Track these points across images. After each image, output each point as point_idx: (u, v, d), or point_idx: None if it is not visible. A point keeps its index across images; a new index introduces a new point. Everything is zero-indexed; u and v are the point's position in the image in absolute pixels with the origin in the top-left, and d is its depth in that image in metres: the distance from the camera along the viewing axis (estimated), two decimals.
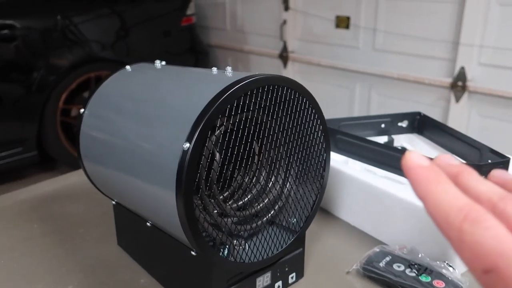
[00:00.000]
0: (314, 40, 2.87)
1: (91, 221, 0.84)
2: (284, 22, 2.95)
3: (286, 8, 2.92)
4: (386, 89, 2.59)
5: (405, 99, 2.51)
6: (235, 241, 0.63)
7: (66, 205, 0.90)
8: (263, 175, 0.64)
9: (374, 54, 2.58)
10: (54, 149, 2.60)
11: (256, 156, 0.63)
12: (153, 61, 0.72)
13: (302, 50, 2.97)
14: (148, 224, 0.64)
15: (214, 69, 0.60)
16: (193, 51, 3.08)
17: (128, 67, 0.72)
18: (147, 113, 0.58)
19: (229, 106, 0.51)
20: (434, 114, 2.38)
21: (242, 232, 0.63)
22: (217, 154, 0.56)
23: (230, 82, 0.51)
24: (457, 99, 2.28)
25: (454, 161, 0.27)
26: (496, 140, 2.17)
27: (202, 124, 0.49)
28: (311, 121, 0.61)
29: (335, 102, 2.82)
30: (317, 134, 0.63)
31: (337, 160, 0.88)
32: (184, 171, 0.48)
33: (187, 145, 0.48)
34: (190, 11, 2.99)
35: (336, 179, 0.85)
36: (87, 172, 0.71)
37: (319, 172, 0.65)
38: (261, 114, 0.58)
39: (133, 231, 0.71)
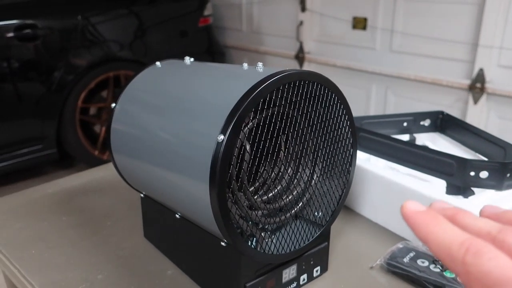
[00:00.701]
0: (330, 41, 2.88)
1: (117, 214, 0.86)
2: (301, 23, 2.96)
3: (303, 9, 2.92)
4: (402, 90, 2.58)
5: (422, 101, 2.50)
6: (263, 233, 0.64)
7: (93, 198, 0.92)
8: (291, 167, 0.65)
9: (391, 55, 2.58)
10: (72, 147, 2.64)
11: (284, 150, 0.64)
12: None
13: (319, 51, 2.97)
14: (177, 216, 0.65)
15: (245, 65, 0.61)
16: (210, 51, 3.11)
17: (158, 63, 0.73)
18: (180, 107, 0.60)
19: (261, 100, 0.52)
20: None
21: (270, 225, 0.64)
22: (248, 147, 0.58)
23: (262, 77, 0.52)
24: (475, 100, 2.26)
25: (448, 205, 0.29)
26: None
27: (236, 117, 0.50)
28: (339, 117, 0.62)
29: (351, 103, 2.80)
30: (345, 129, 0.64)
31: (359, 157, 0.88)
32: (218, 163, 0.49)
33: (222, 137, 0.50)
34: (207, 12, 3.01)
35: (359, 176, 0.86)
36: (117, 165, 0.73)
37: (345, 167, 0.66)
38: (291, 108, 0.59)
39: (161, 224, 0.73)
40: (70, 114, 2.56)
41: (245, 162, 0.56)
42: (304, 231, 0.65)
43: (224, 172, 0.50)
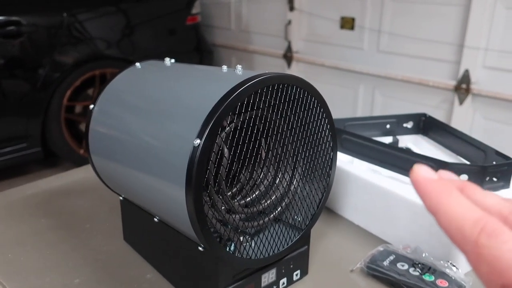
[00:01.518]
0: (318, 40, 2.88)
1: (97, 217, 0.85)
2: (289, 22, 2.96)
3: (291, 8, 2.92)
4: (390, 91, 2.59)
5: (409, 101, 2.51)
6: (241, 237, 0.64)
7: (73, 200, 0.91)
8: (270, 172, 0.65)
9: (379, 55, 2.59)
10: (57, 145, 2.61)
11: (263, 153, 0.63)
12: (159, 59, 0.72)
13: (307, 51, 2.97)
14: (156, 219, 0.65)
15: (224, 67, 0.60)
16: (198, 50, 3.09)
17: (138, 64, 0.72)
18: (158, 110, 0.59)
19: (239, 104, 0.51)
20: (438, 116, 2.38)
21: (248, 229, 0.64)
22: (226, 151, 0.57)
23: (240, 80, 0.52)
24: (461, 101, 2.28)
25: (455, 176, 0.26)
26: (499, 142, 2.17)
27: (213, 121, 0.49)
28: (319, 120, 0.62)
29: (339, 103, 2.83)
30: (325, 133, 0.63)
31: (342, 159, 0.88)
32: (194, 167, 0.49)
33: (198, 141, 0.49)
34: (195, 10, 3.00)
35: (341, 178, 0.86)
36: (96, 167, 0.72)
37: (325, 170, 0.66)
38: (270, 112, 0.58)
39: (140, 227, 0.72)
40: (55, 112, 2.53)
41: (222, 167, 0.55)
42: (284, 235, 0.65)
43: (200, 176, 0.50)
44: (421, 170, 0.25)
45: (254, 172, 0.64)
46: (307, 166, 0.65)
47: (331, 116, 0.64)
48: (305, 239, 0.68)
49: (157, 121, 0.58)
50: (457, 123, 2.31)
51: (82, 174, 1.01)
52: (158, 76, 0.67)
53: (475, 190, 0.25)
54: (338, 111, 2.77)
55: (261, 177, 0.65)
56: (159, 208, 0.61)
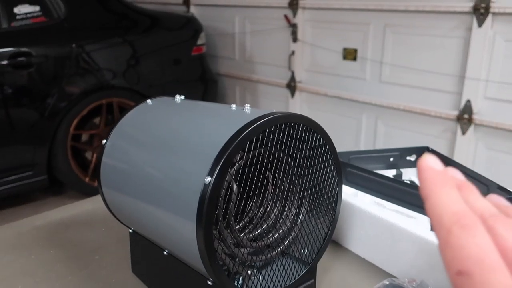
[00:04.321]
0: (321, 71, 2.93)
1: (106, 248, 0.86)
2: (293, 53, 3.02)
3: (295, 39, 2.99)
4: (392, 120, 2.62)
5: (412, 131, 2.53)
6: (249, 271, 0.65)
7: (82, 231, 0.92)
8: (277, 207, 0.67)
9: (381, 85, 2.63)
10: (63, 173, 2.64)
11: (271, 189, 0.65)
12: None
13: (310, 81, 3.02)
14: (165, 253, 0.66)
15: (233, 106, 0.63)
16: (202, 79, 3.15)
17: (149, 100, 0.75)
18: (169, 146, 0.61)
19: (248, 142, 0.54)
20: (441, 145, 2.40)
21: (256, 263, 0.65)
22: (235, 187, 0.59)
23: (250, 119, 0.54)
24: (463, 131, 2.30)
25: (462, 176, 0.28)
26: (502, 172, 2.18)
27: (223, 159, 0.51)
28: (324, 156, 0.64)
29: (342, 132, 2.85)
30: (330, 168, 0.65)
31: (347, 192, 0.90)
32: (205, 204, 0.51)
33: (209, 179, 0.51)
34: (200, 41, 3.07)
35: (346, 211, 0.87)
36: (106, 200, 0.73)
37: (331, 205, 0.67)
38: (277, 149, 0.60)
39: (149, 259, 0.73)
40: (62, 140, 2.56)
41: (231, 203, 0.57)
42: (291, 269, 0.66)
43: (211, 213, 0.51)
44: (429, 159, 0.27)
45: (262, 206, 0.66)
46: (313, 200, 0.66)
47: (336, 152, 0.66)
48: (311, 273, 0.69)
49: (168, 158, 0.60)
50: (460, 153, 2.32)
51: (91, 205, 1.03)
52: (168, 114, 0.69)
53: (472, 191, 0.26)
54: (341, 141, 2.80)
55: (268, 211, 0.66)
56: (169, 242, 0.62)
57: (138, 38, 2.84)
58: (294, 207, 0.66)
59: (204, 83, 3.16)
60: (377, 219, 0.81)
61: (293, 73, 3.07)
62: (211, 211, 0.51)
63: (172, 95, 0.76)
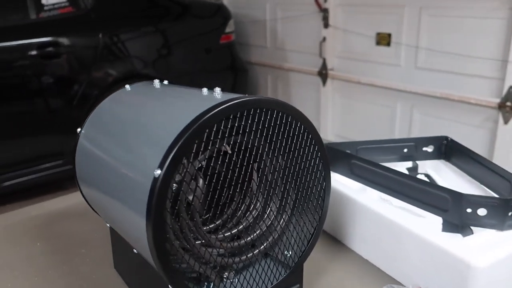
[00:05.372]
0: (354, 57, 2.80)
1: (94, 242, 0.83)
2: (324, 39, 2.90)
3: (326, 25, 2.87)
4: (428, 109, 2.47)
5: (449, 120, 2.37)
6: (225, 274, 0.59)
7: (74, 223, 0.89)
8: (257, 204, 0.60)
9: (417, 72, 2.47)
10: None
11: (249, 184, 0.58)
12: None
13: (342, 68, 2.90)
14: (135, 251, 0.61)
15: (204, 90, 0.57)
16: (232, 68, 3.09)
17: (127, 86, 0.70)
18: (128, 137, 0.56)
19: (214, 130, 0.47)
20: (481, 136, 2.24)
21: (234, 264, 0.59)
22: (201, 181, 0.53)
23: (210, 105, 0.48)
24: (506, 120, 2.12)
25: None
26: None
27: (175, 150, 0.45)
28: (307, 147, 0.56)
29: (375, 122, 2.72)
30: (315, 160, 0.58)
31: (351, 187, 0.82)
32: (153, 198, 0.45)
33: (158, 172, 0.45)
34: (229, 28, 3.00)
35: (349, 207, 0.79)
36: (82, 191, 0.69)
37: (318, 202, 0.60)
38: (251, 138, 0.53)
39: (125, 256, 0.69)
40: None
41: (195, 197, 0.51)
42: (272, 272, 0.59)
43: (160, 209, 0.45)
44: None
45: (239, 203, 0.60)
46: (297, 196, 0.59)
47: (321, 142, 0.58)
48: (296, 276, 0.62)
49: (126, 149, 0.55)
50: (502, 144, 2.15)
51: None
52: (138, 101, 0.64)
53: None
54: (374, 131, 2.67)
55: (247, 208, 0.60)
56: (132, 239, 0.57)
57: (169, 26, 2.82)
58: (275, 204, 0.59)
59: (234, 72, 3.10)
60: (381, 217, 0.73)
61: (324, 60, 2.95)
62: (160, 206, 0.45)
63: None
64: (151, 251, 0.46)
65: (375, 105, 2.75)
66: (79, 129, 0.68)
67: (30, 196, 2.64)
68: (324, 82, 3.03)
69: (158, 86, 0.67)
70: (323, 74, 3.01)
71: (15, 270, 0.75)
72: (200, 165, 0.52)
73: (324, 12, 2.86)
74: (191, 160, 0.48)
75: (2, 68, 2.33)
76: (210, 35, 3.01)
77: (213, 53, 3.02)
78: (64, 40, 2.44)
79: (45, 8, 2.40)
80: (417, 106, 2.55)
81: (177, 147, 0.45)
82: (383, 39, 2.61)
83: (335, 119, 3.06)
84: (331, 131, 3.06)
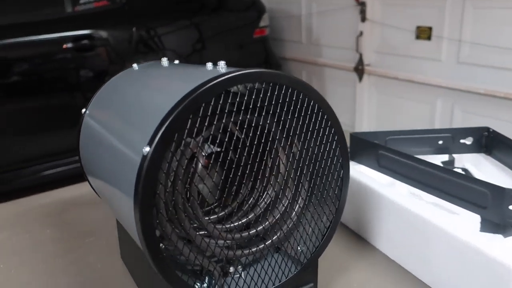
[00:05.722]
0: (392, 52, 2.69)
1: (103, 230, 0.79)
2: (361, 33, 2.80)
3: (363, 19, 2.76)
4: (471, 106, 2.33)
5: (494, 118, 2.22)
6: (230, 268, 0.53)
7: (85, 211, 0.87)
8: (268, 192, 0.54)
9: (459, 67, 2.34)
10: None
11: (259, 169, 0.53)
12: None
13: (379, 63, 2.79)
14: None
15: (209, 65, 0.51)
16: (265, 63, 3.03)
17: (135, 65, 0.66)
18: (124, 115, 0.52)
19: (212, 105, 0.42)
20: None
21: (241, 258, 0.53)
22: (200, 163, 0.47)
23: (207, 78, 0.42)
24: None
25: None
26: None
27: (165, 125, 0.40)
28: (322, 129, 0.50)
29: (413, 119, 2.60)
30: (331, 145, 0.51)
31: (378, 180, 0.74)
32: (141, 180, 0.40)
33: (147, 149, 0.40)
34: (263, 22, 2.95)
35: (375, 203, 0.72)
36: (87, 176, 0.66)
37: (334, 192, 0.53)
38: (255, 116, 0.48)
39: (128, 245, 0.64)
40: None
41: (193, 183, 0.46)
42: (281, 268, 0.53)
43: (148, 192, 0.40)
44: None
45: (249, 189, 0.54)
46: (312, 185, 0.53)
47: (338, 124, 0.51)
48: (310, 274, 0.56)
49: (121, 127, 0.50)
50: None
51: None
52: (140, 79, 0.60)
53: None
54: (412, 129, 2.55)
55: (256, 197, 0.54)
56: (126, 225, 0.52)
57: (203, 20, 2.79)
58: (288, 193, 0.54)
59: (267, 68, 3.05)
60: (410, 214, 0.65)
61: (361, 55, 2.85)
62: (148, 188, 0.40)
63: None
64: (139, 239, 0.42)
65: (413, 102, 2.63)
66: (83, 110, 0.64)
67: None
68: (360, 78, 2.92)
69: (166, 65, 0.62)
70: (359, 69, 2.91)
71: (22, 256, 0.72)
72: (206, 149, 0.47)
73: (362, 5, 2.76)
74: (184, 138, 0.43)
75: (40, 61, 2.38)
76: (244, 29, 2.97)
77: (247, 47, 2.98)
78: (98, 33, 2.46)
79: (81, 1, 2.42)
80: (458, 103, 2.41)
81: (167, 122, 0.40)
82: (423, 33, 2.49)
83: (371, 117, 2.95)
84: (366, 128, 2.95)
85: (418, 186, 0.69)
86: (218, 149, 0.50)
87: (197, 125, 0.42)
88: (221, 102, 0.43)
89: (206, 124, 0.43)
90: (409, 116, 2.60)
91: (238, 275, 0.53)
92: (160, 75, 0.57)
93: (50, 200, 0.91)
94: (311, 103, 0.48)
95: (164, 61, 0.63)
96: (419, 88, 2.56)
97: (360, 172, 0.76)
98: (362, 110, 2.96)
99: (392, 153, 0.73)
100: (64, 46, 2.33)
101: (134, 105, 0.51)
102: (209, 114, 0.42)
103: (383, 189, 0.71)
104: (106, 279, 0.67)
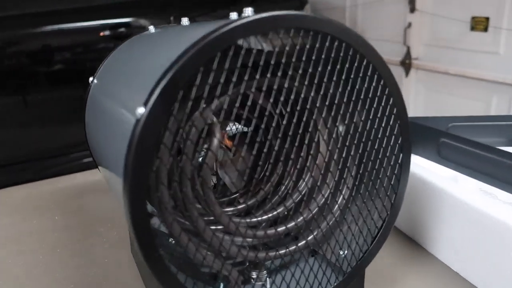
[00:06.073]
0: (443, 45, 2.50)
1: (115, 220, 0.71)
2: (409, 25, 2.63)
3: (412, 9, 2.59)
4: None
5: None
6: (253, 273, 0.43)
7: (98, 198, 0.78)
8: (304, 178, 0.43)
9: None
10: None
11: (290, 149, 0.42)
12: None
13: (428, 57, 2.61)
14: None
15: (233, 14, 0.40)
16: None
17: (151, 27, 0.56)
18: (125, 77, 0.42)
19: (219, 54, 0.31)
20: None
21: (265, 262, 0.42)
22: (216, 137, 0.37)
23: (214, 28, 0.32)
24: None
25: None
26: None
27: (166, 79, 0.30)
28: (377, 98, 0.38)
29: None
30: (388, 120, 0.39)
31: (440, 174, 0.61)
32: (131, 151, 0.30)
33: (141, 110, 0.30)
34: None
35: (435, 201, 0.59)
36: (91, 151, 0.57)
37: (390, 182, 0.41)
38: (287, 81, 0.36)
39: None
40: None
41: (203, 157, 0.35)
42: (318, 277, 0.42)
43: (141, 166, 0.30)
44: None
45: (277, 176, 0.43)
46: (362, 171, 0.41)
47: (400, 96, 0.39)
48: (354, 286, 0.45)
49: (120, 91, 0.40)
50: None
51: None
52: (152, 40, 0.50)
53: None
54: None
55: (288, 186, 0.43)
56: (119, 205, 0.43)
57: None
58: (328, 182, 0.42)
59: None
60: (481, 216, 0.52)
61: (408, 48, 2.68)
62: (141, 161, 0.30)
63: None
64: (129, 229, 0.32)
65: (465, 99, 2.44)
66: (91, 78, 0.55)
67: None
68: (407, 72, 2.75)
69: (186, 24, 0.52)
70: (406, 64, 2.74)
71: (23, 245, 0.64)
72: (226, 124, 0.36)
73: None
74: (192, 98, 0.32)
75: (79, 49, 2.36)
76: None
77: None
78: (135, 21, 2.42)
79: None
80: None
81: (168, 75, 0.29)
82: (480, 24, 2.30)
83: (418, 114, 2.78)
84: None
85: (490, 182, 0.56)
86: (241, 126, 0.40)
87: (209, 82, 0.31)
88: (242, 53, 0.32)
89: (222, 81, 0.32)
90: (460, 114, 2.41)
91: (261, 283, 0.42)
92: (175, 33, 0.47)
93: (65, 184, 0.83)
94: (364, 62, 0.37)
95: (185, 20, 0.53)
96: (472, 83, 2.37)
97: (417, 165, 0.63)
98: (408, 108, 2.78)
99: (458, 141, 0.59)
100: (101, 33, 2.30)
101: (136, 66, 0.41)
102: (226, 68, 0.31)
103: (446, 184, 0.58)
104: (111, 274, 0.57)
